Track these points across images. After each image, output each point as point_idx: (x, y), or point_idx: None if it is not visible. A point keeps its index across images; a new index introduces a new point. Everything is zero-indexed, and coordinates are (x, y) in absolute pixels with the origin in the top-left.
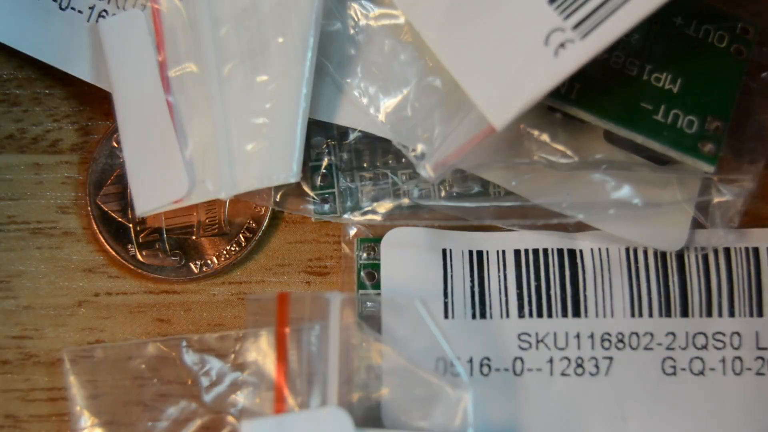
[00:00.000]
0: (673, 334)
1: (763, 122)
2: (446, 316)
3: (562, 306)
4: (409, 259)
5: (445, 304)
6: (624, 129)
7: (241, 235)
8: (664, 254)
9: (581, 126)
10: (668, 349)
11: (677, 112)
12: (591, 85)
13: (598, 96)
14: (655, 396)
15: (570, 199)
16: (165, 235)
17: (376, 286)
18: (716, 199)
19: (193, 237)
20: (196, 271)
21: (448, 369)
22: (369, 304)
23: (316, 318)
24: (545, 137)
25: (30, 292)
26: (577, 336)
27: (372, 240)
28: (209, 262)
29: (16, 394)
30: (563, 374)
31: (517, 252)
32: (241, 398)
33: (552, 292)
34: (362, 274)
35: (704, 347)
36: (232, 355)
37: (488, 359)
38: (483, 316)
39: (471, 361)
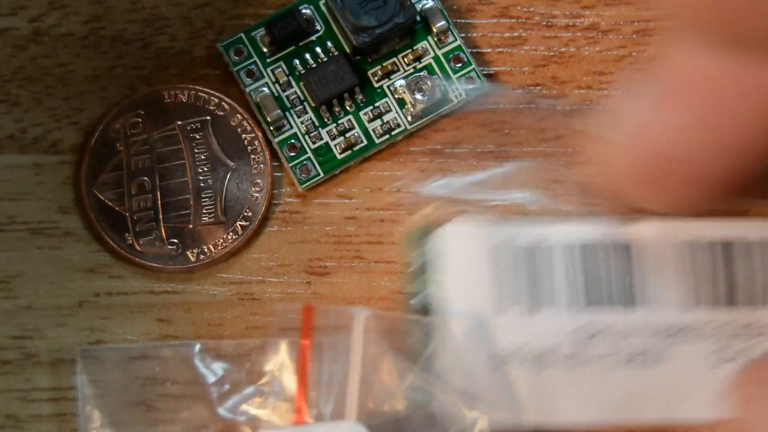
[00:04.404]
0: (725, 325)
1: None
2: (499, 311)
3: (617, 299)
4: (461, 252)
5: (498, 298)
6: None
7: (237, 224)
8: (728, 244)
9: None
10: (720, 340)
11: None
12: None
13: None
14: (707, 387)
15: None
16: (162, 224)
17: (424, 282)
18: None
19: (190, 226)
20: (193, 260)
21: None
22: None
23: (339, 331)
24: None
25: (30, 292)
26: (632, 329)
27: (421, 234)
28: (206, 250)
29: (16, 394)
30: (617, 367)
31: (572, 245)
32: (257, 408)
33: (607, 285)
34: (410, 270)
35: (755, 337)
36: (248, 364)
37: (544, 353)
38: (537, 310)
39: (527, 356)
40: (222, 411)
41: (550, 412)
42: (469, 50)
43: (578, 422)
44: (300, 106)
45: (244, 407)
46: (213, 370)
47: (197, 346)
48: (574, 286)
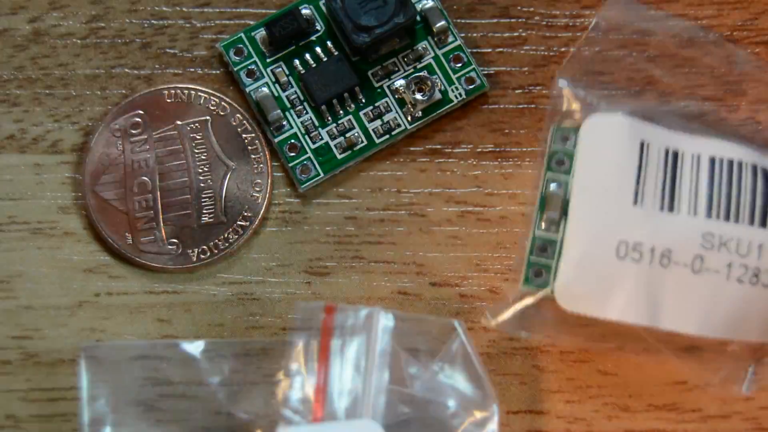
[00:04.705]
0: None
1: None
2: (635, 203)
3: (750, 215)
4: (605, 145)
5: (636, 191)
6: None
7: (237, 224)
8: None
9: None
10: None
11: None
12: None
13: None
14: None
15: None
16: (162, 224)
17: (565, 170)
18: None
19: (190, 226)
20: (193, 259)
21: None
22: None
23: (358, 331)
24: None
25: (30, 292)
26: (760, 246)
27: (566, 125)
28: (206, 250)
29: (16, 394)
30: (739, 281)
31: (712, 158)
32: (270, 406)
33: (741, 200)
34: (552, 158)
35: None
36: (259, 363)
37: (669, 251)
38: (671, 209)
39: (653, 250)
40: (231, 410)
41: (657, 312)
42: (469, 50)
43: (682, 328)
44: (300, 106)
45: (255, 406)
46: (226, 369)
47: (202, 345)
48: (712, 195)
